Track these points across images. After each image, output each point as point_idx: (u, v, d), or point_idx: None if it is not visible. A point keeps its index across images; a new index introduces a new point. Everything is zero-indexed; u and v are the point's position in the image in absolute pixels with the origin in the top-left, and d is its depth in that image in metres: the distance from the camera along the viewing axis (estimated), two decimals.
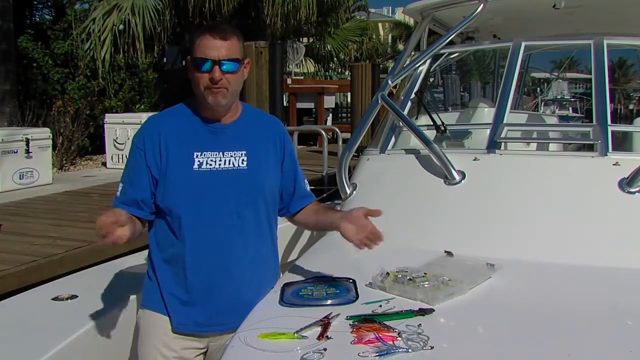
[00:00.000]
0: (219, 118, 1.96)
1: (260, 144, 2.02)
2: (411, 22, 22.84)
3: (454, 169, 2.62)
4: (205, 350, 2.01)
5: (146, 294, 2.03)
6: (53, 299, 2.27)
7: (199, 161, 1.90)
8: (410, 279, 1.90)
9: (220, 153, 1.93)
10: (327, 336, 1.57)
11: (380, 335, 1.55)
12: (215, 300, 1.94)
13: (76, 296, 2.30)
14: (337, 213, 2.14)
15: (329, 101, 16.24)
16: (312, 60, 16.70)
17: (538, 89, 17.24)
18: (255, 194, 1.99)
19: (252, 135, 2.01)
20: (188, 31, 12.69)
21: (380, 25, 34.27)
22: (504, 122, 2.78)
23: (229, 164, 1.93)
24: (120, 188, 1.96)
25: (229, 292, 1.94)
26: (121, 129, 9.97)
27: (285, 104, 15.17)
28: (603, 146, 2.53)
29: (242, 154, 1.95)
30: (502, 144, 2.73)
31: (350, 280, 1.97)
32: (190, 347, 1.98)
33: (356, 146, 3.17)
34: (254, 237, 2.01)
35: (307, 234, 3.44)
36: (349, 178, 2.99)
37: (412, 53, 3.65)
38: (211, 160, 1.91)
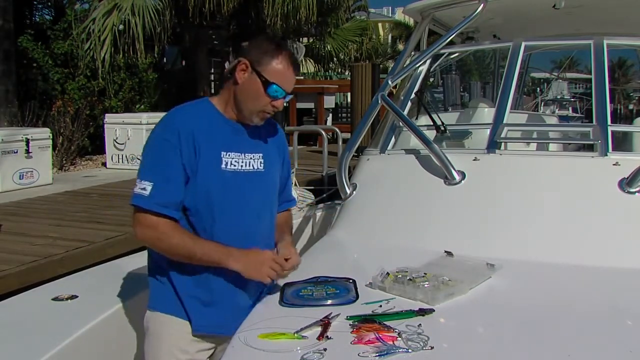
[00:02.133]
0: (240, 120, 1.97)
1: (270, 148, 2.05)
2: (411, 22, 22.84)
3: (454, 169, 2.62)
4: (213, 351, 2.01)
5: (157, 297, 1.99)
6: (53, 299, 2.27)
7: (225, 161, 1.90)
8: (410, 279, 1.90)
9: (242, 154, 1.94)
10: (327, 336, 1.57)
11: (380, 335, 1.55)
12: (236, 301, 1.92)
13: (76, 296, 2.30)
14: (285, 237, 2.08)
15: (329, 101, 16.23)
16: (312, 60, 16.69)
17: (538, 89, 17.25)
18: (271, 196, 2.03)
19: (264, 139, 2.03)
20: (188, 31, 12.68)
21: (380, 25, 34.23)
22: (504, 122, 2.78)
23: (250, 166, 1.95)
24: (150, 186, 1.80)
25: (250, 293, 1.94)
26: (121, 129, 9.97)
27: (285, 104, 15.14)
28: (603, 146, 2.53)
29: (259, 157, 1.98)
30: (502, 144, 2.73)
31: (350, 280, 1.97)
32: (203, 349, 1.97)
33: (356, 146, 3.18)
34: (269, 237, 2.03)
35: (307, 234, 3.44)
36: (349, 178, 2.99)
37: (412, 53, 3.65)
38: (235, 161, 1.92)
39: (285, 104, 1.99)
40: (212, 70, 16.89)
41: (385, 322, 1.62)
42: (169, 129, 1.86)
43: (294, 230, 3.25)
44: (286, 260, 1.88)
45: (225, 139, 1.92)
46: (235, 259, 1.82)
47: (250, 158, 1.95)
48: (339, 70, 18.63)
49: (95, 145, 11.21)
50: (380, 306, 1.77)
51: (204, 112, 1.95)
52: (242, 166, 1.93)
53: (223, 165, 1.89)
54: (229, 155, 1.91)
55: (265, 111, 1.91)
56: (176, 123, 1.88)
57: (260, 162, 1.97)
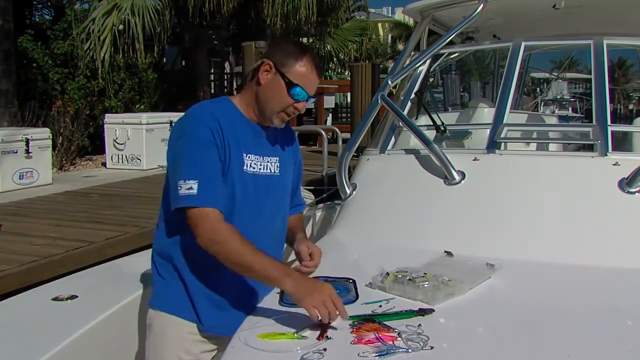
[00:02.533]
0: (260, 121, 1.96)
1: (286, 152, 2.05)
2: (411, 22, 22.83)
3: (454, 169, 2.62)
4: (216, 352, 2.01)
5: (161, 295, 1.97)
6: (53, 299, 2.27)
7: (247, 162, 1.90)
8: (410, 279, 1.90)
9: (261, 157, 1.94)
10: (327, 336, 1.57)
11: (380, 335, 1.55)
12: (247, 302, 1.91)
13: (76, 296, 2.29)
14: (299, 235, 2.13)
15: (329, 101, 16.22)
16: None
17: (538, 89, 17.26)
18: (284, 200, 2.04)
19: (280, 143, 2.03)
20: (188, 31, 12.69)
21: (380, 25, 34.24)
22: (504, 122, 2.78)
23: (267, 169, 1.95)
24: (196, 184, 1.73)
25: (261, 295, 1.93)
26: (121, 129, 9.98)
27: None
28: (603, 146, 2.53)
29: (276, 160, 1.98)
30: (502, 144, 2.73)
31: (350, 280, 1.97)
32: (207, 350, 1.97)
33: (356, 146, 3.17)
34: (279, 241, 2.05)
35: (307, 233, 3.43)
36: (349, 178, 2.99)
37: (412, 53, 3.65)
38: (254, 164, 1.92)
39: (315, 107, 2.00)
40: (212, 70, 16.89)
41: (385, 322, 1.62)
42: (200, 125, 1.82)
43: None
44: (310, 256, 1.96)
45: (246, 140, 1.91)
46: (291, 281, 1.68)
47: (268, 161, 1.96)
48: (339, 70, 18.65)
49: (95, 145, 11.21)
50: (380, 306, 1.77)
51: (227, 111, 1.92)
52: (260, 169, 1.93)
53: (245, 167, 1.89)
54: (249, 157, 1.90)
55: (287, 112, 1.91)
56: (205, 119, 1.83)
57: (277, 166, 1.98)
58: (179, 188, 1.75)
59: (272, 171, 1.96)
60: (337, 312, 1.61)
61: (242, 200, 1.88)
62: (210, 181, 1.76)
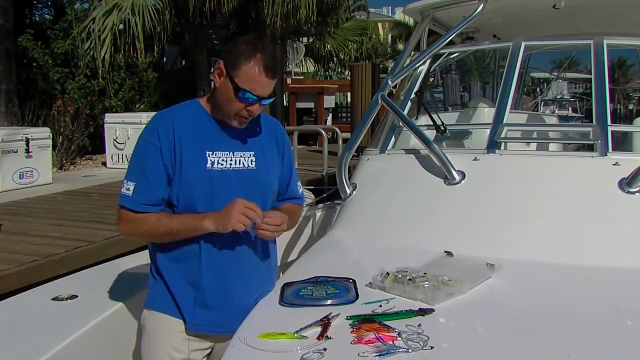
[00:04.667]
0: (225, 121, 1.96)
1: (265, 145, 2.04)
2: (411, 22, 22.84)
3: (454, 169, 2.62)
4: (210, 351, 2.01)
5: (153, 295, 2.00)
6: (53, 299, 2.27)
7: (211, 160, 1.90)
8: (410, 279, 1.90)
9: (231, 153, 1.94)
10: (327, 336, 1.57)
11: (380, 335, 1.55)
12: (230, 299, 1.93)
13: (76, 296, 2.30)
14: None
15: (329, 101, 16.24)
16: (312, 60, 16.69)
17: (538, 89, 17.25)
18: (263, 194, 2.01)
19: (257, 136, 2.02)
20: (188, 31, 12.69)
21: (380, 25, 34.19)
22: (504, 122, 2.78)
23: (240, 164, 1.95)
24: (132, 187, 1.88)
25: (242, 291, 1.94)
26: (121, 128, 9.98)
27: (285, 103, 15.18)
28: (603, 146, 2.53)
29: (250, 155, 1.97)
30: (502, 144, 2.73)
31: (350, 280, 1.97)
32: (199, 349, 1.97)
33: (356, 146, 3.17)
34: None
35: (307, 233, 3.44)
36: (349, 178, 2.99)
37: (412, 53, 3.65)
38: (222, 160, 1.92)
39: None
40: (212, 70, 16.86)
41: (385, 322, 1.62)
42: (149, 131, 1.91)
43: (293, 231, 3.25)
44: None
45: (211, 138, 1.92)
46: (209, 219, 1.83)
47: (241, 156, 1.95)
48: (339, 70, 18.62)
49: (95, 145, 11.22)
50: (380, 306, 1.77)
51: (189, 112, 1.96)
52: (230, 164, 1.93)
53: (208, 165, 1.89)
54: (215, 154, 1.91)
55: (241, 115, 1.89)
56: (157, 125, 1.91)
57: (252, 160, 1.97)
58: (121, 187, 1.91)
59: (246, 165, 1.95)
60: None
61: (210, 197, 1.89)
62: (145, 185, 1.87)
